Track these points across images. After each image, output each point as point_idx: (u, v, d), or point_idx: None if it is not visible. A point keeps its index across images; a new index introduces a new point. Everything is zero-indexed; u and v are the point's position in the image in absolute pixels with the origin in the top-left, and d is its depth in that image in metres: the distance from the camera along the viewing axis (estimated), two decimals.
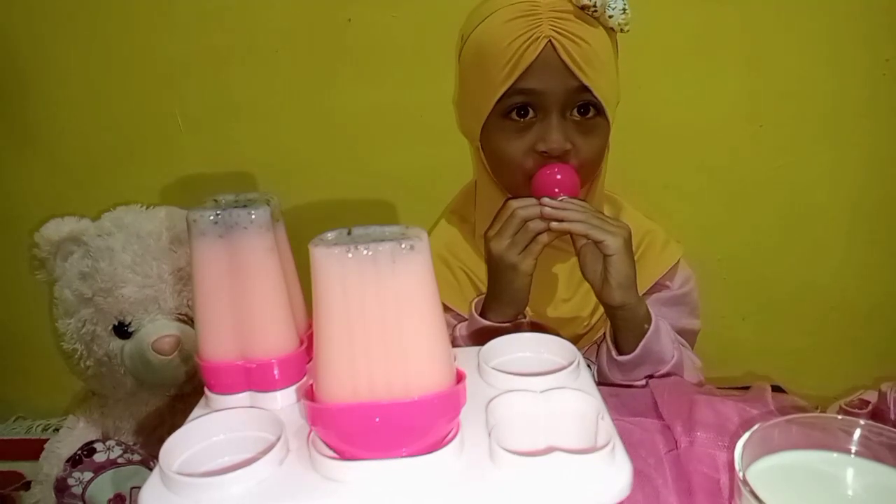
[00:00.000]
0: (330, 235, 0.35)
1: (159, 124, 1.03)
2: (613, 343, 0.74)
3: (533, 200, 0.68)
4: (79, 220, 0.80)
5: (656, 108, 0.99)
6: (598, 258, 0.68)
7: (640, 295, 0.72)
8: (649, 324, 0.72)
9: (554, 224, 0.66)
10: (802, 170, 1.03)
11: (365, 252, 0.33)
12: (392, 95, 1.00)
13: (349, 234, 0.35)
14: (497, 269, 0.70)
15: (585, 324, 0.80)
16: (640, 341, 0.71)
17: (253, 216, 0.40)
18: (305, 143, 1.04)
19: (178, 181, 1.05)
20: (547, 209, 0.66)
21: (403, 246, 0.33)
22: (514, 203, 0.68)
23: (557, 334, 0.50)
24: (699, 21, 0.96)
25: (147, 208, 0.84)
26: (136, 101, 1.02)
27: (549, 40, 0.66)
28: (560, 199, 0.68)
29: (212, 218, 0.40)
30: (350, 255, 0.33)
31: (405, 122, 1.02)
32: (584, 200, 0.70)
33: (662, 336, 0.73)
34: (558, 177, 0.69)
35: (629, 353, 0.71)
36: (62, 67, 1.01)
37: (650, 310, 0.73)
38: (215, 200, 0.42)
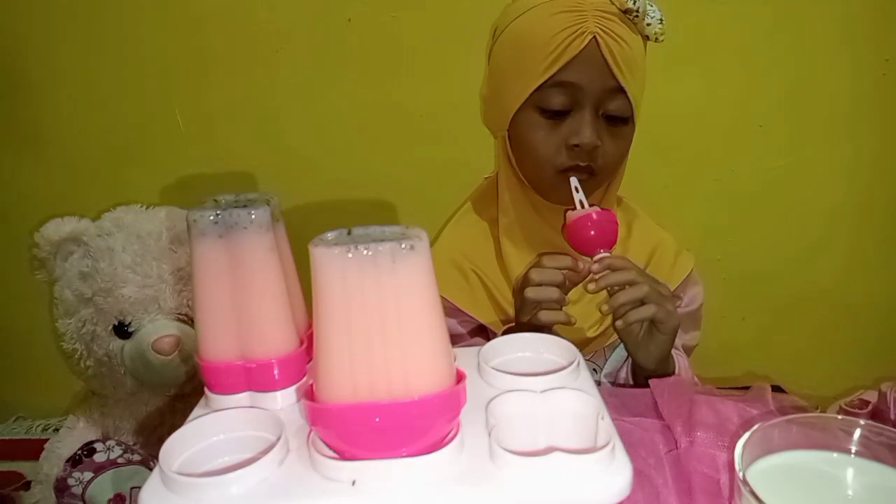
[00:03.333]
0: (330, 235, 0.35)
1: (159, 124, 1.03)
2: (634, 381, 0.75)
3: (553, 278, 0.65)
4: (79, 220, 0.80)
5: (656, 108, 0.99)
6: (638, 323, 0.66)
7: None
8: (674, 372, 0.72)
9: (619, 322, 0.64)
10: (802, 170, 1.03)
11: (365, 252, 0.33)
12: (392, 95, 1.01)
13: (349, 234, 0.35)
14: (520, 329, 0.70)
15: (595, 327, 0.80)
16: None
17: (253, 216, 0.40)
18: (305, 143, 1.04)
19: (178, 181, 1.05)
20: (601, 282, 0.64)
21: (403, 246, 0.33)
22: (534, 276, 0.66)
23: (563, 336, 0.50)
24: (699, 21, 0.96)
25: (147, 208, 0.84)
26: (136, 102, 1.02)
27: (594, 37, 0.67)
28: (599, 256, 0.66)
29: (212, 218, 0.40)
30: (350, 255, 0.33)
31: (405, 122, 1.02)
32: (627, 260, 0.67)
33: (683, 377, 0.73)
34: (594, 217, 0.67)
35: None
36: (62, 67, 1.01)
37: (672, 355, 0.73)
38: (215, 200, 0.42)
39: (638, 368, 0.73)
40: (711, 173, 1.04)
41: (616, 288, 0.65)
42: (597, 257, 0.66)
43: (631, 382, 0.75)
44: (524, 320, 0.68)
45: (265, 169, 1.04)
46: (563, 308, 0.67)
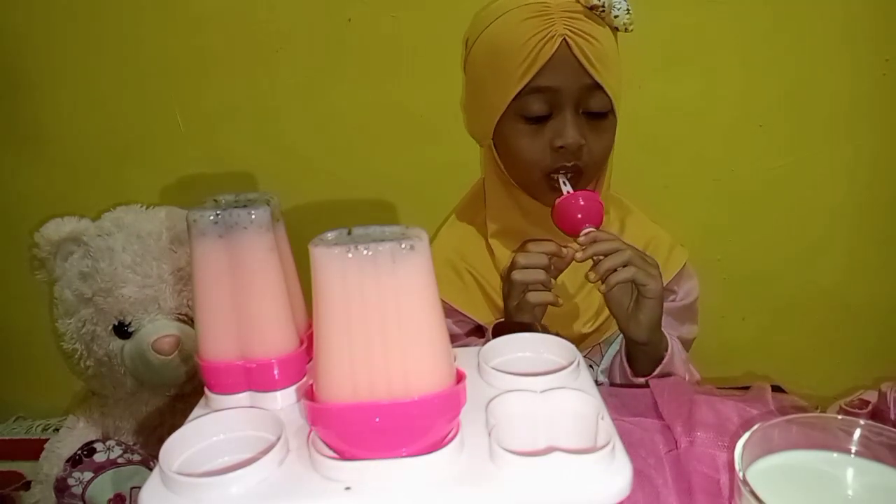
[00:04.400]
0: (330, 235, 0.35)
1: (159, 124, 1.03)
2: (628, 361, 0.75)
3: (539, 261, 0.67)
4: (79, 220, 0.80)
5: (656, 108, 0.99)
6: (626, 293, 0.68)
7: None
8: (667, 350, 0.73)
9: (602, 286, 0.66)
10: (802, 170, 1.03)
11: (365, 252, 0.33)
12: (392, 95, 1.01)
13: (349, 234, 0.35)
14: (509, 316, 0.72)
15: (590, 323, 0.80)
16: (656, 366, 0.72)
17: (253, 216, 0.40)
18: (305, 143, 1.04)
19: (178, 181, 1.05)
20: (588, 250, 0.66)
21: (403, 246, 0.33)
22: (521, 259, 0.68)
23: (557, 334, 0.50)
24: (699, 21, 0.96)
25: (147, 208, 0.84)
26: (136, 102, 1.02)
27: (564, 38, 0.68)
28: (586, 231, 0.68)
29: (212, 218, 0.40)
30: (350, 255, 0.33)
31: (405, 122, 1.02)
32: (613, 234, 0.69)
33: (676, 359, 0.74)
34: (581, 203, 0.69)
35: (645, 375, 0.73)
36: (62, 67, 1.01)
37: (665, 335, 0.74)
38: (215, 200, 0.42)
39: (631, 346, 0.73)
40: (711, 173, 1.04)
41: (602, 257, 0.66)
42: (584, 231, 0.68)
43: (626, 365, 0.75)
44: (513, 305, 0.69)
45: (265, 169, 1.04)
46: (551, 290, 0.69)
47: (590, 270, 0.66)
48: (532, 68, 0.68)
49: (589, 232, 0.68)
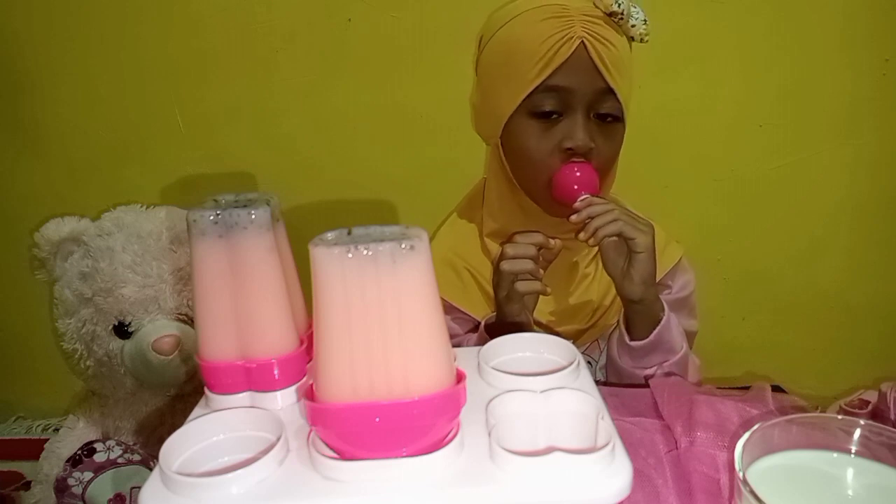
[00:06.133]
0: (330, 235, 0.35)
1: (159, 124, 1.03)
2: (626, 329, 0.75)
3: (527, 251, 0.69)
4: (79, 220, 0.80)
5: (656, 109, 0.99)
6: (621, 253, 0.70)
7: None
8: (663, 312, 0.74)
9: (591, 240, 0.68)
10: (802, 170, 1.03)
11: (365, 252, 0.33)
12: (392, 95, 1.01)
13: (349, 234, 0.35)
14: (500, 306, 0.73)
15: (588, 319, 0.81)
16: (653, 329, 0.73)
17: (253, 216, 0.40)
18: (305, 143, 1.04)
19: (178, 181, 1.05)
20: (583, 213, 0.69)
21: (403, 246, 0.33)
22: (509, 250, 0.70)
23: (556, 333, 0.50)
24: (699, 21, 0.96)
25: (147, 208, 0.84)
26: (136, 102, 1.02)
27: (582, 41, 0.68)
28: (582, 198, 0.70)
29: (212, 218, 0.40)
30: (350, 255, 0.33)
31: (405, 122, 1.02)
32: (606, 199, 0.71)
33: (673, 326, 0.75)
34: (577, 174, 0.71)
35: (642, 339, 0.73)
36: (62, 67, 1.01)
37: (662, 300, 0.75)
38: (215, 200, 0.42)
39: (628, 308, 0.74)
40: (711, 173, 1.04)
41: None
42: (580, 198, 0.70)
43: (623, 329, 0.75)
44: (503, 295, 0.71)
45: (265, 169, 1.04)
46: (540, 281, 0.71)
47: (581, 230, 0.69)
48: (548, 67, 0.68)
49: (584, 198, 0.70)
